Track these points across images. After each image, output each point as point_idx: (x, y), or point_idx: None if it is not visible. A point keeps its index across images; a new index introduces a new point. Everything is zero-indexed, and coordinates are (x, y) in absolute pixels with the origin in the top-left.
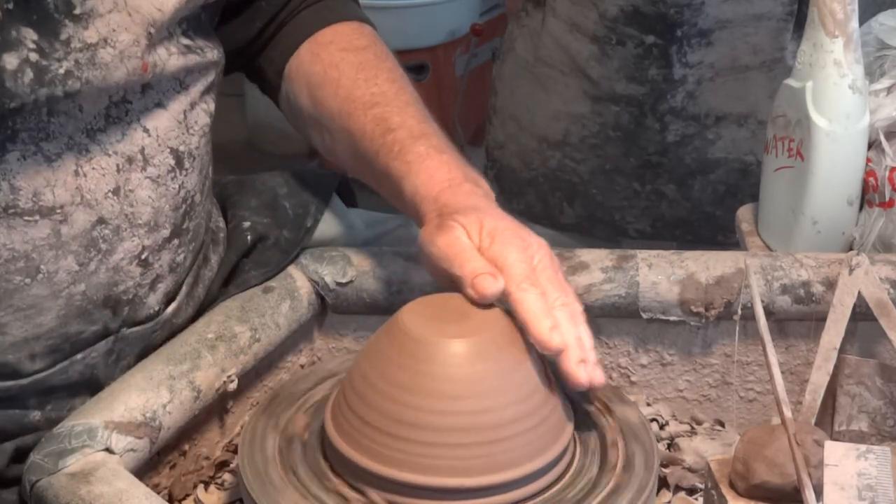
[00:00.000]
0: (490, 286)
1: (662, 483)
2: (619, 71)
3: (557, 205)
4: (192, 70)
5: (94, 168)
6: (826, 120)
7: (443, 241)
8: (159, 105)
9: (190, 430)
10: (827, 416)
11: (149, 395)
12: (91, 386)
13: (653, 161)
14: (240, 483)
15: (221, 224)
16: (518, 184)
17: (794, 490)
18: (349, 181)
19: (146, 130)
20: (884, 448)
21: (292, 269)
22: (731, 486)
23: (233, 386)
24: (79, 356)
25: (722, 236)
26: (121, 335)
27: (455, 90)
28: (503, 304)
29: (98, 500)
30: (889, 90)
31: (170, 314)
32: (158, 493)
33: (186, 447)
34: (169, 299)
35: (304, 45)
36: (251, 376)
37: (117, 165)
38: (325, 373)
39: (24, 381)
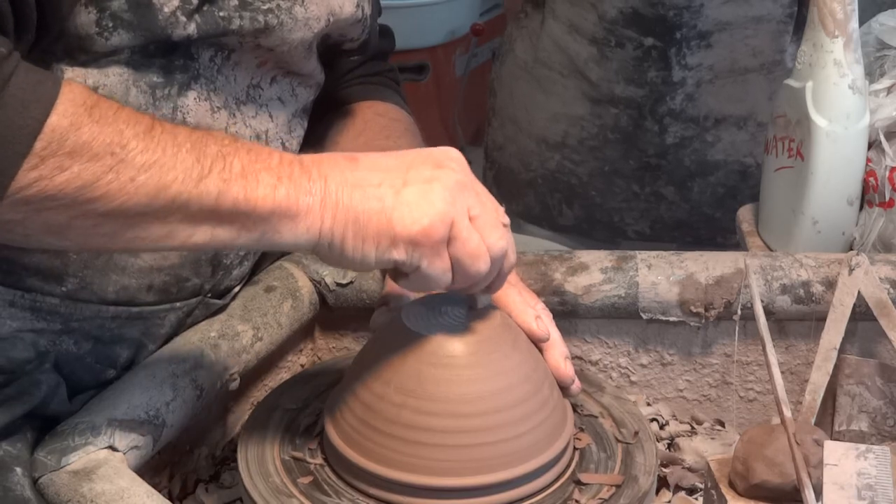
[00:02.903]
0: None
1: (662, 483)
2: (618, 73)
3: (556, 206)
4: (301, 77)
5: (237, 132)
6: (826, 120)
7: None
8: (280, 100)
9: (192, 428)
10: (827, 416)
11: (152, 392)
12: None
13: (652, 163)
14: (240, 483)
15: None
16: (517, 185)
17: (794, 489)
18: None
19: (270, 116)
20: (883, 448)
21: (294, 269)
22: (731, 485)
23: (235, 384)
24: (178, 304)
25: (721, 238)
26: (204, 301)
27: (455, 90)
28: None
29: (100, 497)
30: (889, 90)
31: (231, 297)
32: (160, 491)
33: (188, 446)
34: (239, 281)
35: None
36: (253, 375)
37: (250, 138)
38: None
39: (133, 310)
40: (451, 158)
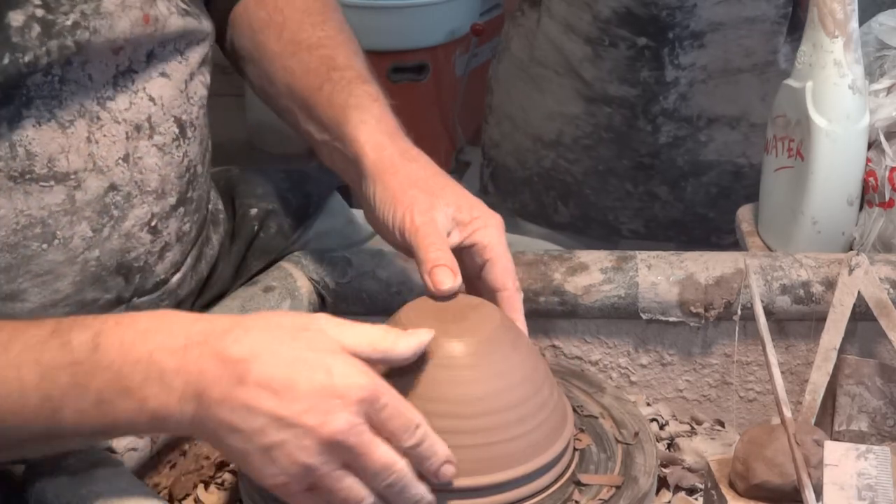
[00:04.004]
0: (446, 281)
1: (662, 483)
2: (612, 72)
3: (552, 204)
4: (191, 38)
5: (105, 135)
6: (826, 120)
7: (419, 215)
8: (163, 74)
9: None
10: (827, 416)
11: None
12: None
13: (645, 162)
14: (239, 483)
15: (220, 206)
16: (513, 183)
17: (794, 490)
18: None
19: (152, 99)
20: (884, 448)
21: (293, 269)
22: (731, 485)
23: None
24: None
25: (715, 237)
26: (131, 304)
27: (455, 90)
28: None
29: (98, 499)
30: (889, 90)
31: (175, 284)
32: (159, 492)
33: (187, 446)
34: (175, 269)
35: None
36: None
37: (126, 133)
38: None
39: None
40: (346, 394)
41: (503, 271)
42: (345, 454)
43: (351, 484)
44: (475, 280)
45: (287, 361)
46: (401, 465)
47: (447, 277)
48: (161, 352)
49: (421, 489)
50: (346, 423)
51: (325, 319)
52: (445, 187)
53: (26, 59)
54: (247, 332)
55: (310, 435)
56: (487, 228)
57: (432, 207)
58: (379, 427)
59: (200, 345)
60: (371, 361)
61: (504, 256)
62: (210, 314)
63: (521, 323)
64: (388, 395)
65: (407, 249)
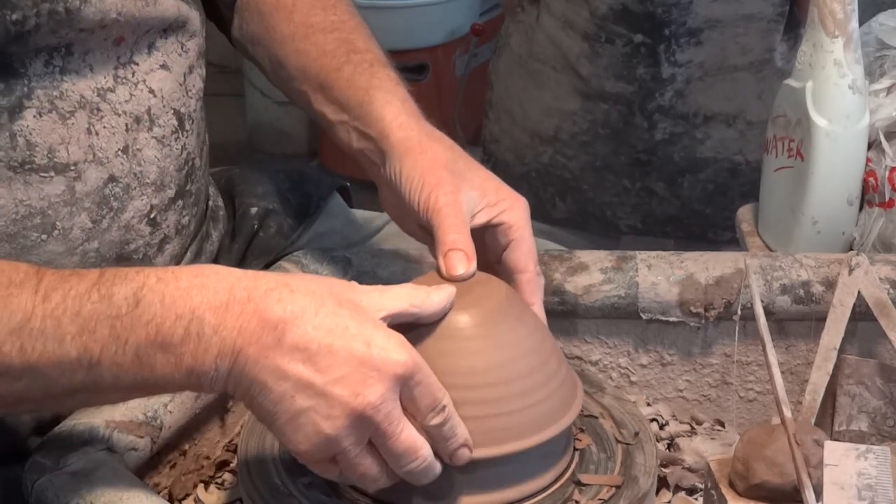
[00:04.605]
0: (459, 267)
1: (662, 483)
2: (609, 69)
3: (549, 200)
4: (190, 28)
5: (104, 127)
6: (826, 120)
7: (443, 196)
8: (163, 67)
9: (190, 429)
10: (827, 416)
11: None
12: None
13: (642, 159)
14: (240, 483)
15: (220, 203)
16: (511, 178)
17: (794, 490)
18: (348, 186)
19: (151, 91)
20: (884, 448)
21: (293, 269)
22: (731, 485)
23: None
24: None
25: (713, 234)
26: None
27: (455, 90)
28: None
29: (99, 499)
30: (889, 90)
31: None
32: (159, 492)
33: (187, 447)
34: (175, 263)
35: None
36: None
37: (126, 125)
38: None
39: None
40: (383, 368)
41: (527, 253)
42: (371, 430)
43: (370, 464)
44: (496, 264)
45: (328, 328)
46: (425, 452)
47: (461, 263)
48: (202, 308)
49: (437, 471)
50: (379, 396)
51: (363, 289)
52: (472, 169)
53: (14, 16)
54: (292, 293)
55: (339, 405)
56: (514, 210)
57: (458, 189)
58: (406, 402)
59: (243, 302)
60: (408, 318)
61: (529, 238)
62: (255, 271)
63: (539, 308)
64: (423, 372)
65: (426, 232)
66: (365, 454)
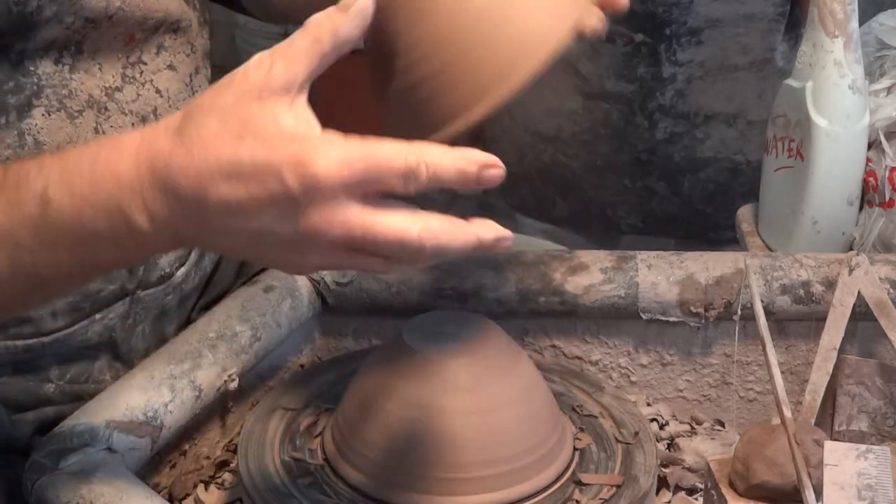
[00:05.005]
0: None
1: (662, 483)
2: (609, 68)
3: (550, 199)
4: (193, 29)
5: (111, 126)
6: (826, 120)
7: None
8: (170, 67)
9: (191, 429)
10: (827, 416)
11: (150, 394)
12: (110, 350)
13: (642, 158)
14: (240, 483)
15: None
16: (512, 177)
17: (794, 490)
18: None
19: (158, 91)
20: (884, 448)
21: None
22: (731, 485)
23: (234, 385)
24: (98, 315)
25: (713, 233)
26: (136, 297)
27: None
28: None
29: (99, 499)
30: (889, 90)
31: (179, 278)
32: (159, 492)
33: (187, 447)
34: (180, 263)
35: None
36: (252, 375)
37: (133, 125)
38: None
39: (45, 339)
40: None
41: None
42: (352, 245)
43: (366, 260)
44: None
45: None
46: (415, 232)
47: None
48: (117, 191)
49: (464, 236)
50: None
51: (261, 85)
52: None
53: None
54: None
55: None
56: None
57: None
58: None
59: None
60: (328, 61)
61: None
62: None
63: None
64: (363, 152)
65: None
66: (354, 256)
